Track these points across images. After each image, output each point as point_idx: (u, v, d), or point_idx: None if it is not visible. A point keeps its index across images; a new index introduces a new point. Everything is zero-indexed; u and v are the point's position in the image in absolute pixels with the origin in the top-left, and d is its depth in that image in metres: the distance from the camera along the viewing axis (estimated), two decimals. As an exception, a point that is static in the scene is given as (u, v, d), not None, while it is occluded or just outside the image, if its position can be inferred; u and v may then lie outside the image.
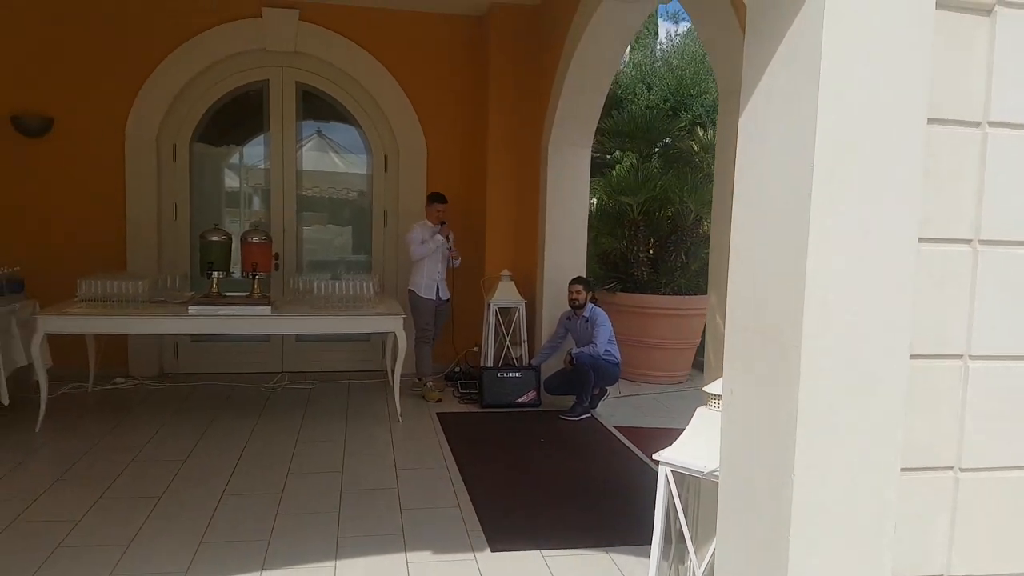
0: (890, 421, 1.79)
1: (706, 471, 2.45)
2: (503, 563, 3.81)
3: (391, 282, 7.73)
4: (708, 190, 7.19)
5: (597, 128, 7.02)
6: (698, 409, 2.67)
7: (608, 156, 9.53)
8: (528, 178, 7.32)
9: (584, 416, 6.44)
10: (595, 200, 8.57)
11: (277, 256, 7.26)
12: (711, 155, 7.61)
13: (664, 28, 12.36)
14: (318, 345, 7.79)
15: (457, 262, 7.03)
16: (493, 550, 3.92)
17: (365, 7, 7.45)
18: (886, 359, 1.78)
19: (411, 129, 7.73)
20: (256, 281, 6.12)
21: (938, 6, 1.78)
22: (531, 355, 7.16)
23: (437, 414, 6.42)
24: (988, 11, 1.85)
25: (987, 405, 1.91)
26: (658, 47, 11.05)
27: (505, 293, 7.16)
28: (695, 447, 2.55)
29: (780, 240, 1.85)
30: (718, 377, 2.37)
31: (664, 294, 7.95)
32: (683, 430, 2.69)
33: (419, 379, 7.00)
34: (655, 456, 2.67)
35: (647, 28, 12.12)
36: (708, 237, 3.87)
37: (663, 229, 8.29)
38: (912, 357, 1.81)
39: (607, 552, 3.92)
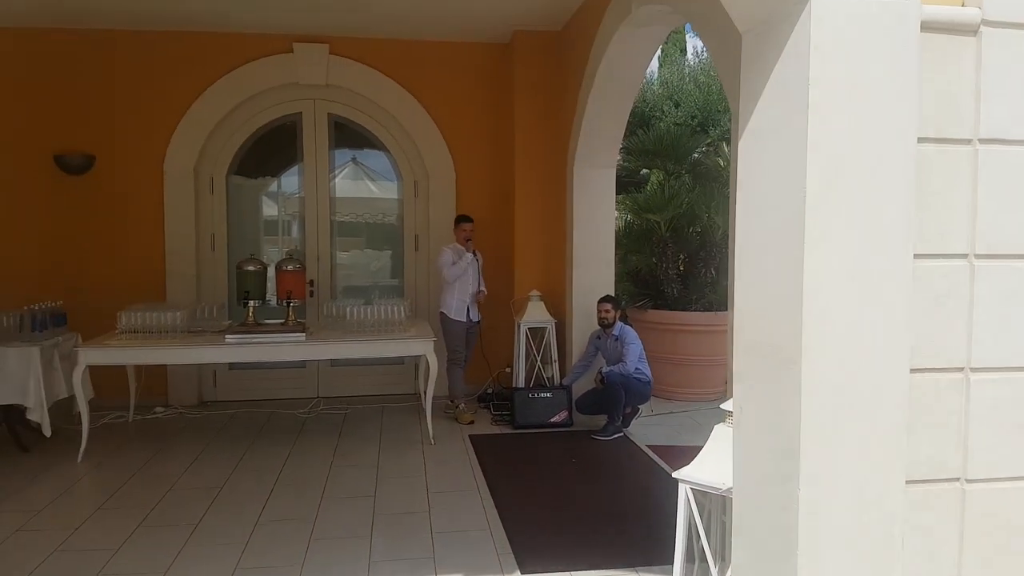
0: (893, 434, 1.82)
1: (723, 488, 2.48)
2: (533, 584, 3.84)
3: (423, 305, 7.83)
4: (735, 206, 7.18)
5: (624, 147, 7.07)
6: (716, 426, 2.70)
7: (638, 174, 9.57)
8: (555, 199, 7.40)
9: (616, 435, 6.44)
10: (623, 218, 8.60)
11: (311, 283, 7.43)
12: (738, 171, 7.60)
13: (692, 44, 12.36)
14: (352, 370, 7.90)
15: (483, 294, 7.09)
16: (523, 572, 3.94)
17: (392, 39, 7.63)
18: (886, 373, 1.81)
19: (440, 155, 7.86)
20: (291, 308, 6.25)
21: (924, 28, 1.82)
22: (562, 375, 7.19)
23: (469, 436, 6.47)
24: (974, 31, 1.88)
25: (990, 416, 1.92)
26: (686, 64, 11.08)
27: (535, 313, 7.21)
28: (713, 464, 2.58)
29: (778, 260, 1.89)
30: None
31: (695, 310, 7.94)
32: (709, 448, 2.71)
33: (451, 401, 7.06)
34: (675, 474, 2.70)
35: (675, 45, 12.17)
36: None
37: (692, 245, 8.29)
38: (913, 371, 1.84)
39: (636, 572, 3.93)
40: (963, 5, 1.96)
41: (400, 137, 7.90)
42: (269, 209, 8.26)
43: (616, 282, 7.23)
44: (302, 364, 7.78)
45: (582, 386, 6.87)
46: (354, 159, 8.18)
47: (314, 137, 7.83)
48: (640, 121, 9.23)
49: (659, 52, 9.71)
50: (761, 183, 1.99)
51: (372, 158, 8.20)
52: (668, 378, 7.68)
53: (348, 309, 6.46)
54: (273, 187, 8.24)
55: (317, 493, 5.09)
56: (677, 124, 9.25)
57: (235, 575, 3.89)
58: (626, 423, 6.62)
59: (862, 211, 1.78)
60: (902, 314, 1.81)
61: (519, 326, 7.22)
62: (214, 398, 7.70)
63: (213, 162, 7.64)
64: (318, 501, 4.95)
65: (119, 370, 6.66)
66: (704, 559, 2.68)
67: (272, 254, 7.92)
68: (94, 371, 6.05)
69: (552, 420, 6.75)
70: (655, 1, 4.77)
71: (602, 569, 3.98)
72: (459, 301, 6.93)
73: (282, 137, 7.92)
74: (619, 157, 7.18)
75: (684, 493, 2.67)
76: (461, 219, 7.02)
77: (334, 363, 7.86)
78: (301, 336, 6.05)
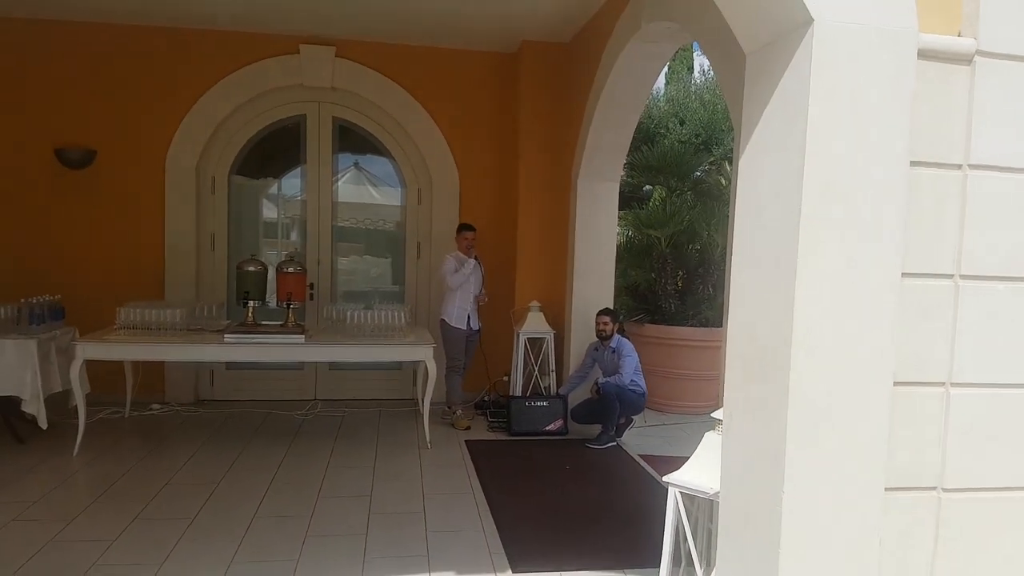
0: (874, 443, 1.90)
1: (711, 492, 2.55)
2: (524, 584, 3.91)
3: (423, 312, 7.89)
4: (734, 224, 7.26)
5: (628, 162, 7.13)
6: (706, 434, 2.77)
7: (641, 189, 9.66)
8: (558, 211, 7.47)
9: (610, 444, 6.51)
10: (624, 233, 8.68)
11: (311, 286, 7.47)
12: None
13: (698, 63, 12.47)
14: (351, 374, 7.95)
15: (484, 296, 7.16)
16: (515, 571, 4.02)
17: (400, 44, 7.67)
18: (870, 385, 1.89)
19: (444, 163, 7.91)
20: (291, 310, 6.30)
21: (920, 56, 1.90)
22: (559, 384, 7.26)
23: (466, 441, 6.53)
24: (968, 61, 1.96)
25: (968, 429, 2.00)
26: (692, 82, 11.17)
27: (534, 324, 7.28)
28: (702, 470, 2.65)
29: (772, 275, 1.97)
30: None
31: (691, 326, 8.02)
32: (699, 456, 2.79)
33: (448, 407, 7.12)
34: (664, 479, 2.77)
35: (682, 63, 12.27)
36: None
37: (691, 262, 8.37)
38: (896, 384, 1.92)
39: (624, 573, 4.02)
40: (959, 35, 2.04)
41: (405, 143, 7.95)
42: (269, 211, 8.29)
43: (615, 296, 7.30)
44: (300, 366, 7.84)
45: (578, 396, 6.94)
46: (356, 164, 8.22)
47: (318, 140, 7.86)
48: (645, 137, 9.32)
49: (666, 69, 9.80)
50: (759, 198, 2.07)
51: (375, 163, 8.24)
52: (662, 391, 7.76)
53: (348, 313, 6.51)
54: (274, 189, 8.28)
55: (313, 492, 5.15)
56: (681, 141, 9.34)
57: (231, 569, 3.95)
58: (619, 433, 6.70)
59: (854, 229, 1.86)
60: (888, 329, 1.89)
61: (518, 336, 7.28)
62: (211, 397, 7.74)
63: (215, 161, 7.67)
64: (314, 500, 5.00)
65: (116, 366, 6.71)
66: (690, 562, 2.75)
67: (271, 256, 7.95)
68: (91, 366, 6.06)
69: (547, 428, 6.82)
70: (665, 18, 4.86)
71: (591, 570, 4.06)
72: (460, 309, 6.99)
73: (285, 139, 7.94)
74: (623, 172, 7.24)
75: (673, 496, 2.74)
76: (463, 227, 7.09)
77: (332, 366, 7.91)
78: (300, 338, 6.10)
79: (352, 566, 4.02)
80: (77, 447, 5.79)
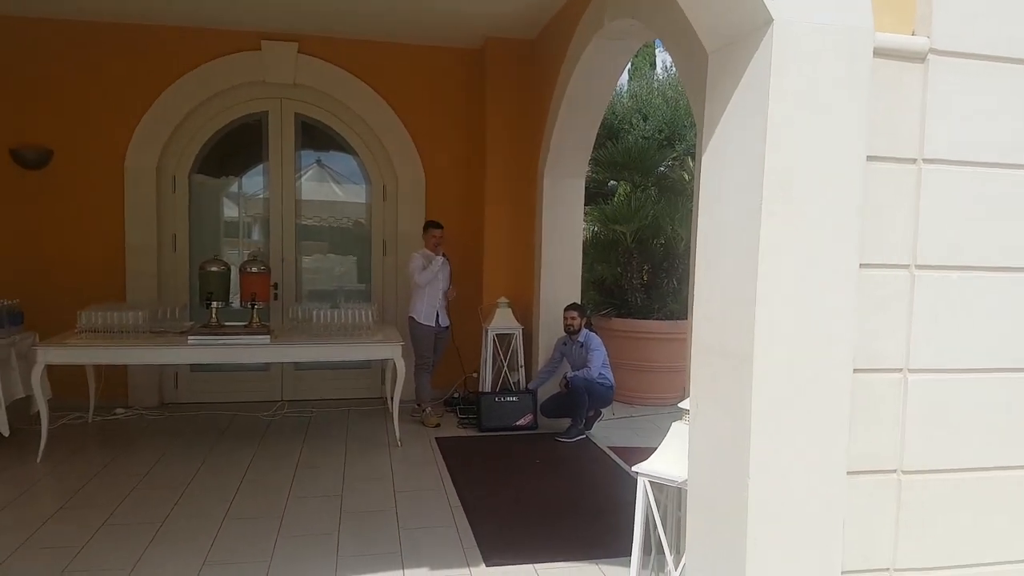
0: (836, 428, 1.97)
1: (679, 480, 2.60)
2: (497, 576, 3.95)
3: (391, 310, 7.88)
4: (698, 218, 7.35)
5: (593, 158, 7.18)
6: (673, 424, 2.82)
7: (606, 185, 9.72)
8: (524, 207, 7.50)
9: (579, 437, 6.57)
10: (591, 228, 8.74)
11: (276, 286, 7.41)
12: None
13: (661, 59, 12.54)
14: (318, 374, 7.92)
15: (452, 290, 7.17)
16: (488, 564, 4.06)
17: (363, 40, 7.63)
18: (831, 373, 1.95)
19: (409, 159, 7.90)
20: (255, 311, 6.25)
21: (876, 54, 1.96)
22: (528, 380, 7.30)
23: (436, 439, 6.55)
24: (922, 59, 2.03)
25: (925, 414, 2.07)
26: (655, 78, 11.25)
27: (502, 320, 7.31)
28: (670, 459, 2.70)
29: (734, 268, 2.03)
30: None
31: (657, 319, 8.10)
32: (668, 446, 2.84)
33: (418, 405, 7.12)
34: (634, 468, 2.82)
35: (645, 59, 12.34)
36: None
37: (656, 256, 8.45)
38: (856, 371, 1.98)
39: (596, 564, 4.08)
40: (913, 34, 2.11)
41: (369, 140, 7.92)
42: (230, 210, 8.19)
43: (582, 291, 7.36)
44: (266, 367, 7.78)
45: (547, 390, 6.99)
46: (319, 161, 8.16)
47: (280, 137, 7.80)
48: (609, 133, 9.38)
49: (629, 65, 9.87)
50: (722, 193, 2.12)
51: (339, 160, 8.19)
52: (630, 383, 7.83)
53: (314, 312, 6.46)
54: (235, 187, 8.16)
55: (283, 493, 5.13)
56: (645, 137, 9.42)
57: (203, 572, 3.93)
58: (589, 426, 6.77)
59: (813, 222, 1.92)
60: (847, 319, 1.96)
61: (487, 332, 7.31)
62: (176, 400, 7.66)
63: (176, 160, 7.56)
64: (284, 501, 4.99)
65: (78, 370, 6.58)
66: (660, 550, 2.80)
67: (233, 256, 7.87)
68: (53, 371, 5.96)
69: (517, 423, 6.86)
70: (627, 16, 4.91)
71: (563, 561, 4.11)
72: (428, 306, 6.98)
73: (246, 136, 7.85)
74: (588, 168, 7.30)
75: (643, 485, 2.79)
76: (430, 225, 7.09)
77: (299, 366, 7.86)
78: (266, 338, 6.06)
79: (325, 566, 4.02)
80: (40, 454, 5.70)
